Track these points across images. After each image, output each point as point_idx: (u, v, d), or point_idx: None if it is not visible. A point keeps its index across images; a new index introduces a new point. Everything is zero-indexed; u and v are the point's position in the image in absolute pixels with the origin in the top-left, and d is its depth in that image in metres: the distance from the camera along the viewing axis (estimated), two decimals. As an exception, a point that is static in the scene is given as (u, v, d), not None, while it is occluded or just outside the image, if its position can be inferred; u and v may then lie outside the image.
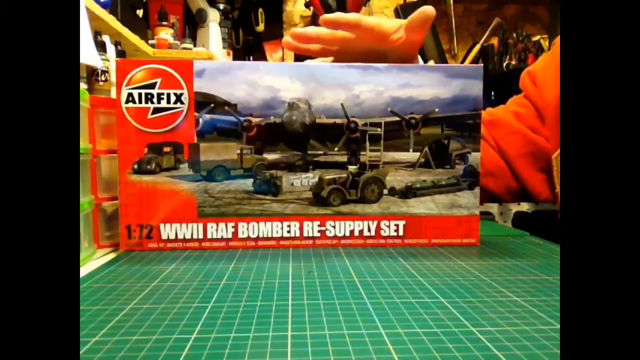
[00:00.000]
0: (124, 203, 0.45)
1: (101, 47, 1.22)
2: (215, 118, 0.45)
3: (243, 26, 2.13)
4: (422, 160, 0.47)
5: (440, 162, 0.47)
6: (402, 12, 2.03)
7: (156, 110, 0.44)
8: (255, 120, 0.46)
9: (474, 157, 0.48)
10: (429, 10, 0.51)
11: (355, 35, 0.55)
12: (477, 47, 2.07)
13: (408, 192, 0.47)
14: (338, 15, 0.54)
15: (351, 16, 0.54)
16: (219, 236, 0.46)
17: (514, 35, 1.96)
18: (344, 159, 0.47)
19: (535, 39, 1.93)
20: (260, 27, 2.09)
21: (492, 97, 1.92)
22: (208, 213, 0.45)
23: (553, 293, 0.32)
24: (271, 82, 0.45)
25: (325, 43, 0.57)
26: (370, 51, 0.54)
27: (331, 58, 0.58)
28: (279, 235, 0.46)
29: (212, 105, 0.45)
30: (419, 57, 0.59)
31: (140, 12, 1.80)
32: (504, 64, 1.91)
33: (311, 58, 0.59)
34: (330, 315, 0.28)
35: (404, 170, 0.47)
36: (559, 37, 0.70)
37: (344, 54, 0.57)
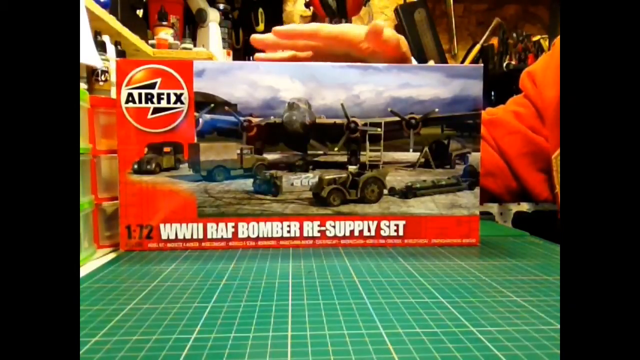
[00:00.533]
0: (124, 203, 0.45)
1: (101, 47, 1.22)
2: (215, 118, 0.45)
3: (243, 26, 2.13)
4: (422, 160, 0.47)
5: (440, 162, 0.47)
6: (402, 12, 2.03)
7: (156, 110, 0.44)
8: (255, 120, 0.46)
9: (474, 157, 0.48)
10: (377, 23, 0.52)
11: (321, 44, 0.54)
12: (477, 47, 2.07)
13: (408, 192, 0.47)
14: (291, 27, 0.54)
15: (307, 27, 0.53)
16: (219, 236, 0.46)
17: (514, 35, 1.96)
18: (344, 159, 0.47)
19: (535, 39, 1.93)
20: (260, 27, 2.09)
21: (492, 97, 1.92)
22: (208, 213, 0.45)
23: (553, 293, 0.32)
24: (271, 82, 0.45)
25: (290, 49, 0.56)
26: (348, 55, 0.54)
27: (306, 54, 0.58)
28: (279, 235, 0.46)
29: (212, 105, 0.45)
30: (413, 59, 0.58)
31: (140, 12, 1.80)
32: (504, 64, 1.91)
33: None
34: (330, 315, 0.28)
35: (404, 170, 0.47)
36: (559, 37, 0.70)
37: (321, 58, 0.56)
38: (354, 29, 0.53)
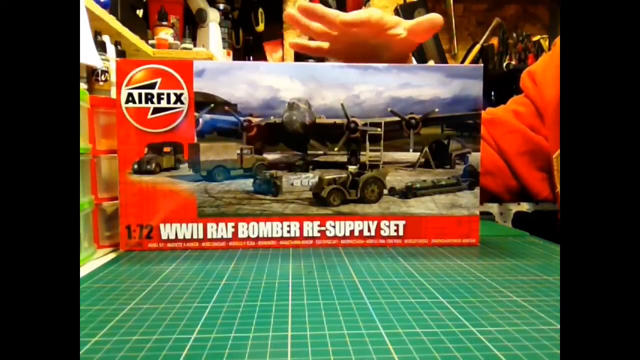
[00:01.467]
0: (124, 203, 0.45)
1: (101, 47, 1.22)
2: (215, 118, 0.45)
3: (243, 26, 2.13)
4: (422, 160, 0.47)
5: (440, 162, 0.47)
6: (402, 11, 2.02)
7: (156, 110, 0.44)
8: (255, 120, 0.46)
9: (474, 157, 0.48)
10: (438, 18, 0.52)
11: (339, 32, 0.54)
12: (477, 47, 2.07)
13: (408, 192, 0.47)
14: (316, 7, 0.53)
15: (329, 12, 0.53)
16: (219, 236, 0.46)
17: (514, 35, 1.96)
18: (344, 159, 0.47)
19: (535, 39, 1.93)
20: (260, 27, 2.09)
21: (492, 97, 1.92)
22: (208, 213, 0.45)
23: (553, 293, 0.32)
24: (271, 82, 0.45)
25: (328, 25, 0.56)
26: (364, 43, 0.54)
27: (327, 44, 0.58)
28: (279, 235, 0.46)
29: (212, 105, 0.45)
30: (413, 58, 0.59)
31: (140, 12, 1.80)
32: (504, 64, 1.91)
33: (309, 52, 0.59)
34: (330, 315, 0.28)
35: (404, 170, 0.47)
36: (559, 37, 0.70)
37: (339, 42, 0.56)
38: (388, 16, 0.53)
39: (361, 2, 1.94)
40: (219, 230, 0.45)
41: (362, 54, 0.55)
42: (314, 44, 0.60)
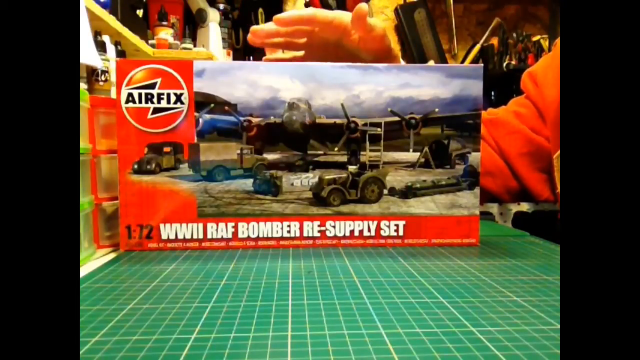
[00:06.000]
0: (124, 203, 0.45)
1: (101, 47, 1.22)
2: (215, 118, 0.45)
3: (243, 26, 2.13)
4: (422, 160, 0.47)
5: (440, 162, 0.47)
6: (402, 12, 2.03)
7: (156, 110, 0.44)
8: (255, 120, 0.46)
9: (474, 157, 0.48)
10: (360, 6, 0.52)
11: (317, 28, 0.55)
12: (477, 47, 2.07)
13: (408, 192, 0.47)
14: (290, 14, 0.55)
15: (305, 12, 0.55)
16: (219, 236, 0.46)
17: (514, 35, 1.96)
18: (344, 159, 0.47)
19: (535, 39, 1.93)
20: (260, 27, 2.08)
21: (492, 97, 1.92)
22: (208, 213, 0.45)
23: (553, 293, 0.32)
24: (271, 82, 0.45)
25: (287, 36, 0.57)
26: (340, 46, 0.55)
27: (302, 52, 0.59)
28: (279, 235, 0.46)
29: (212, 105, 0.45)
30: (402, 61, 0.60)
31: (140, 12, 1.80)
32: (504, 64, 1.91)
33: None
34: (330, 315, 0.28)
35: (404, 170, 0.47)
36: (559, 37, 0.70)
37: (313, 47, 0.57)
38: (347, 16, 0.54)
39: (361, 2, 1.93)
40: (219, 230, 0.45)
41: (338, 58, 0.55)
42: (287, 55, 0.60)
